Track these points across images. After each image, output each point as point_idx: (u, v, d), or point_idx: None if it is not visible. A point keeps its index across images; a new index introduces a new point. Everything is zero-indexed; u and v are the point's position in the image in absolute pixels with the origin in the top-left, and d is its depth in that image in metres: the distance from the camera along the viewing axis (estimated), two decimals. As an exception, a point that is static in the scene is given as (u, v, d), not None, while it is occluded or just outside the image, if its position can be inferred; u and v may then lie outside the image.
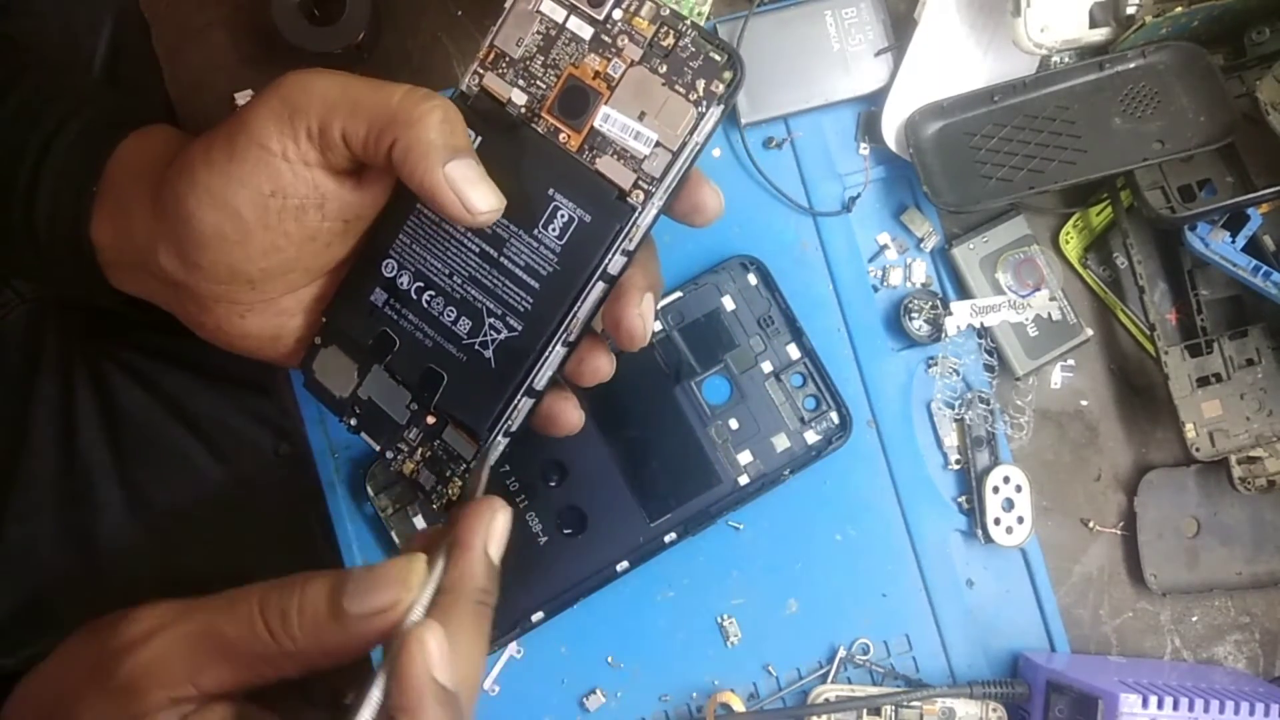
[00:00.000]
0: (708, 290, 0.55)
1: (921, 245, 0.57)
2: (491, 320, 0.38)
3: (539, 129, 0.37)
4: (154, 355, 0.59)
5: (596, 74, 0.36)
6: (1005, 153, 0.54)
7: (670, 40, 0.34)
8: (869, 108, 0.57)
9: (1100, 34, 0.54)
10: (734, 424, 0.54)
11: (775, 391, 0.55)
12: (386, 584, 0.32)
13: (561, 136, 0.36)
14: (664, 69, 0.35)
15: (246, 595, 0.33)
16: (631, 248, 0.37)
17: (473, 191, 0.35)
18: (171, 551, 0.57)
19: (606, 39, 0.35)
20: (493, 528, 0.35)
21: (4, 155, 0.42)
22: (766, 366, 0.55)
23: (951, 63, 0.55)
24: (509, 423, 0.39)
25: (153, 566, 0.57)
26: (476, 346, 0.38)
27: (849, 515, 0.56)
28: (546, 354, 0.38)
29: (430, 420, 0.40)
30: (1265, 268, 0.53)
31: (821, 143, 0.57)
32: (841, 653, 0.55)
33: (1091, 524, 0.58)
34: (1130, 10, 0.53)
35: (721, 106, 0.34)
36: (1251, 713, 0.50)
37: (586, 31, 0.35)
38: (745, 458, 0.54)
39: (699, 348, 0.55)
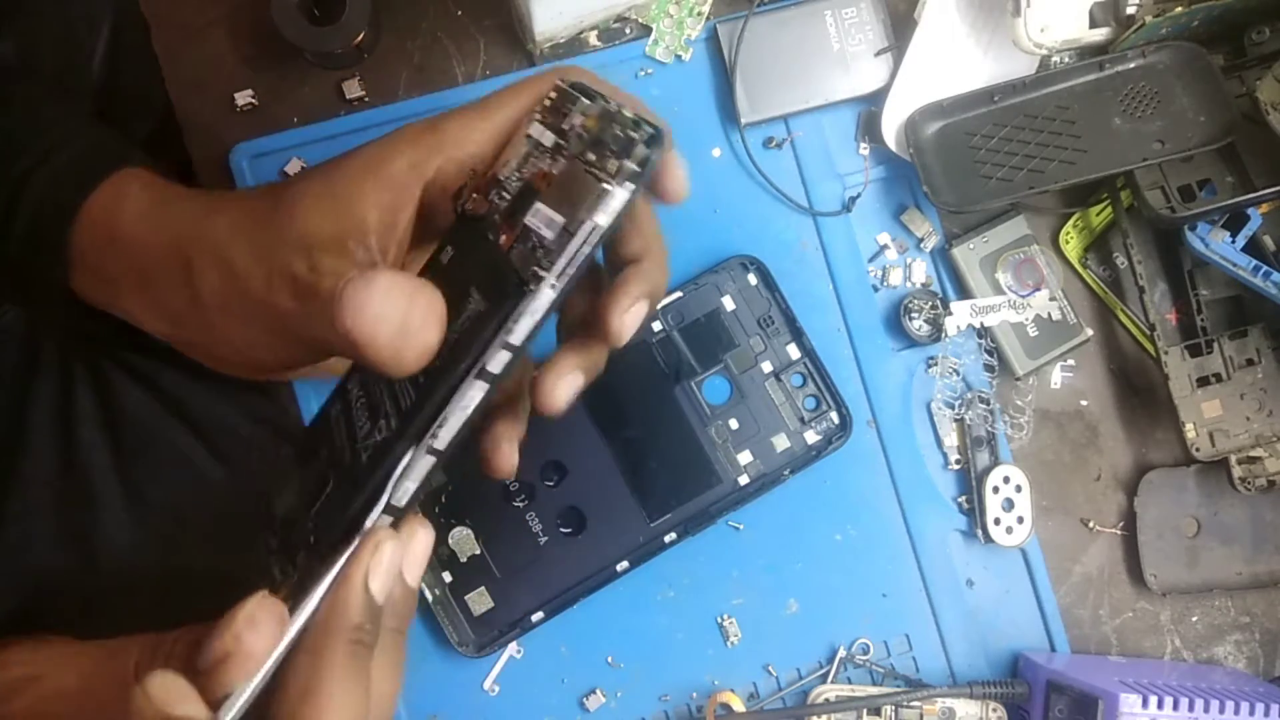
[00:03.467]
0: (708, 290, 0.55)
1: (921, 245, 0.57)
2: (381, 420, 0.35)
3: (490, 235, 0.35)
4: (153, 354, 0.59)
5: (544, 175, 0.34)
6: (1005, 153, 0.54)
7: (609, 132, 0.33)
8: (869, 108, 0.57)
9: (1100, 34, 0.54)
10: (734, 424, 0.54)
11: (775, 391, 0.54)
12: (225, 628, 0.29)
13: (502, 239, 0.34)
14: (591, 157, 0.33)
15: (125, 651, 0.32)
16: (515, 342, 0.33)
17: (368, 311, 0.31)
18: (170, 551, 0.57)
19: (562, 143, 0.34)
20: (375, 559, 0.32)
21: None
22: (766, 366, 0.55)
23: (951, 63, 0.55)
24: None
25: (151, 566, 0.57)
26: (359, 447, 0.35)
27: (849, 515, 0.56)
28: (407, 459, 0.33)
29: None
30: (1265, 268, 0.53)
31: (821, 143, 0.57)
32: (841, 653, 0.55)
33: (1091, 524, 0.58)
34: (1130, 10, 0.53)
35: (629, 185, 0.32)
36: (1251, 713, 0.50)
37: (549, 139, 0.34)
38: (745, 458, 0.54)
39: (699, 348, 0.55)
